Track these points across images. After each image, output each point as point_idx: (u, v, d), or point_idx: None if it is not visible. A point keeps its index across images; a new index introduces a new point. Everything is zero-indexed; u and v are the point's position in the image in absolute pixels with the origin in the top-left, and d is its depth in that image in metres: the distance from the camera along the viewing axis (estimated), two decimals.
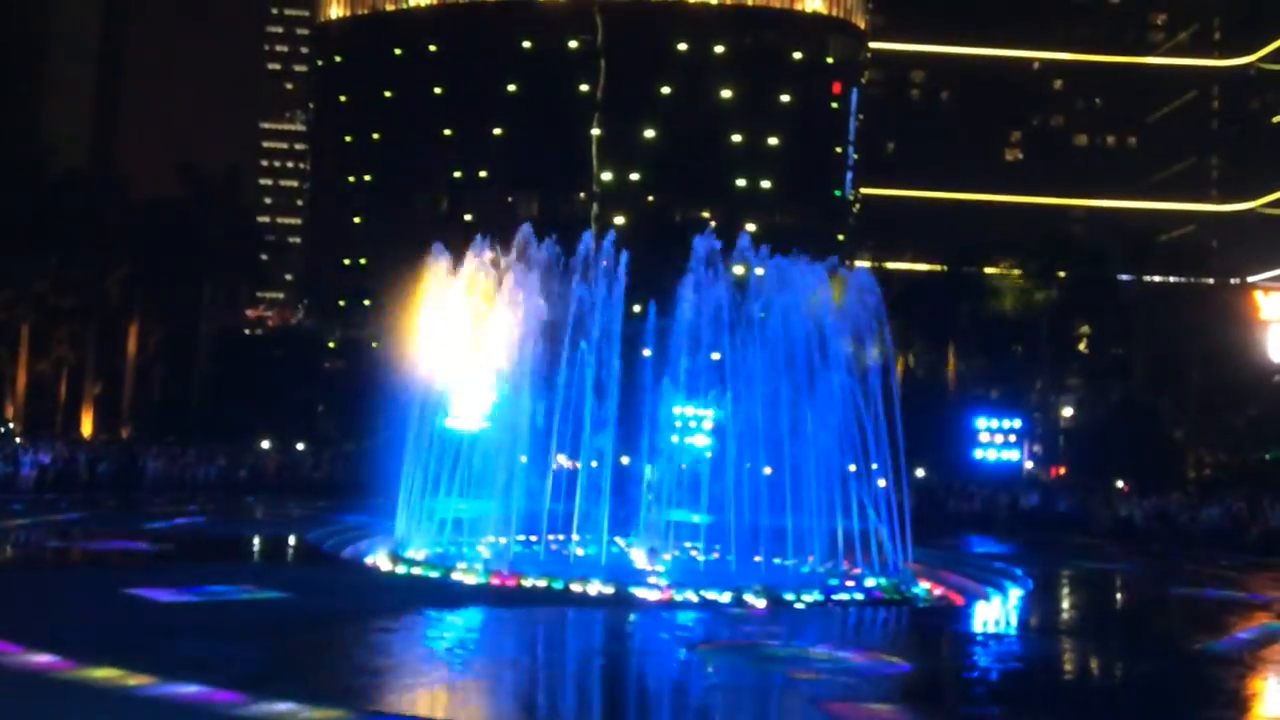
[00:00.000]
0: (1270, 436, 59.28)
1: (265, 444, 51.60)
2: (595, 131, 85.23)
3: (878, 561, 24.15)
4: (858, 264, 62.00)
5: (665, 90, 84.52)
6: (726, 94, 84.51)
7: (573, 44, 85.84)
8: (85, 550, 25.68)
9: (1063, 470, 62.16)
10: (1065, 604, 25.97)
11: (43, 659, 13.13)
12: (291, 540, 28.63)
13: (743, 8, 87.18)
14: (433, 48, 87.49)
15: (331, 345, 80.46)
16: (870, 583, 23.32)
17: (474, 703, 13.43)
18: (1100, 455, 57.39)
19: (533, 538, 25.05)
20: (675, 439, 25.78)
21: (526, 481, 24.45)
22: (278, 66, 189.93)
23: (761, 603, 20.82)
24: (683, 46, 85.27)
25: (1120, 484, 47.15)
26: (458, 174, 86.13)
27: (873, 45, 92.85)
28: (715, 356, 25.20)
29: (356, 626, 17.08)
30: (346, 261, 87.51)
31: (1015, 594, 24.89)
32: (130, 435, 55.32)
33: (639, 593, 21.22)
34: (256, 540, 28.90)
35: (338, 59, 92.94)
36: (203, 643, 14.98)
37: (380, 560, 24.45)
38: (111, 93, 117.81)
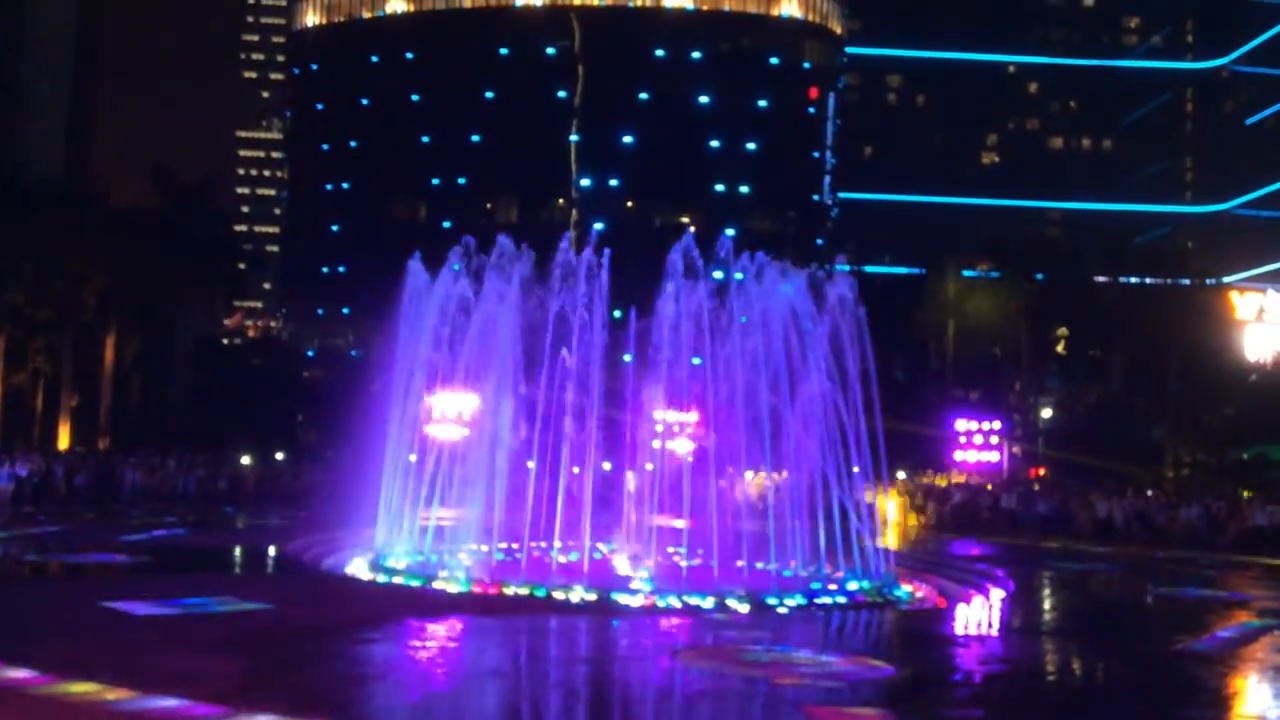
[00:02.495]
0: (1247, 435, 59.73)
1: (244, 455, 51.30)
2: (573, 137, 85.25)
3: (860, 565, 24.18)
4: (836, 268, 62.20)
5: (643, 96, 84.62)
6: (704, 99, 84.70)
7: (550, 50, 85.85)
8: (62, 563, 25.45)
9: (1042, 471, 62.48)
10: (1047, 605, 26.06)
11: (19, 674, 12.98)
12: (271, 551, 28.46)
13: (719, 13, 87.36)
14: (409, 55, 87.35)
15: (310, 354, 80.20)
16: (853, 586, 23.35)
17: (456, 712, 13.36)
18: (1079, 456, 57.72)
19: (514, 545, 24.98)
20: (657, 444, 25.75)
21: (511, 488, 24.35)
22: (254, 75, 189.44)
23: (744, 608, 20.81)
24: (660, 52, 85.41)
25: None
26: (436, 181, 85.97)
27: (849, 50, 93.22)
28: (696, 361, 25.20)
29: (338, 637, 16.97)
30: (325, 270, 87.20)
31: (997, 596, 24.97)
32: (108, 446, 54.93)
33: (622, 599, 21.18)
34: (236, 551, 28.73)
35: (314, 67, 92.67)
36: (182, 656, 14.85)
37: (361, 570, 24.32)
38: (87, 102, 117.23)
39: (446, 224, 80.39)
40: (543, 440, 24.38)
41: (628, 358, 25.97)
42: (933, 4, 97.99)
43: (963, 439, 55.22)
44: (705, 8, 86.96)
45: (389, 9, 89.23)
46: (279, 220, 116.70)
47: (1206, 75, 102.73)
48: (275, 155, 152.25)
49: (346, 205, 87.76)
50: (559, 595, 21.24)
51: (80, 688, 12.50)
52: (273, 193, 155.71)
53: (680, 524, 25.00)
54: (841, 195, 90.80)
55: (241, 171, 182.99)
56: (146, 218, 60.93)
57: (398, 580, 22.88)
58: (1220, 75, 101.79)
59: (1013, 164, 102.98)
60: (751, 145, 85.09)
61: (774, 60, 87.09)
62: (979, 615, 23.37)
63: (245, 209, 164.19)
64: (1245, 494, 45.97)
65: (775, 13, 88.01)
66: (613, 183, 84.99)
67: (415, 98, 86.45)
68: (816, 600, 22.16)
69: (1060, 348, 70.27)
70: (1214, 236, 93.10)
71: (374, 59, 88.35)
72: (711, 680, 15.16)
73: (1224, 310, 63.08)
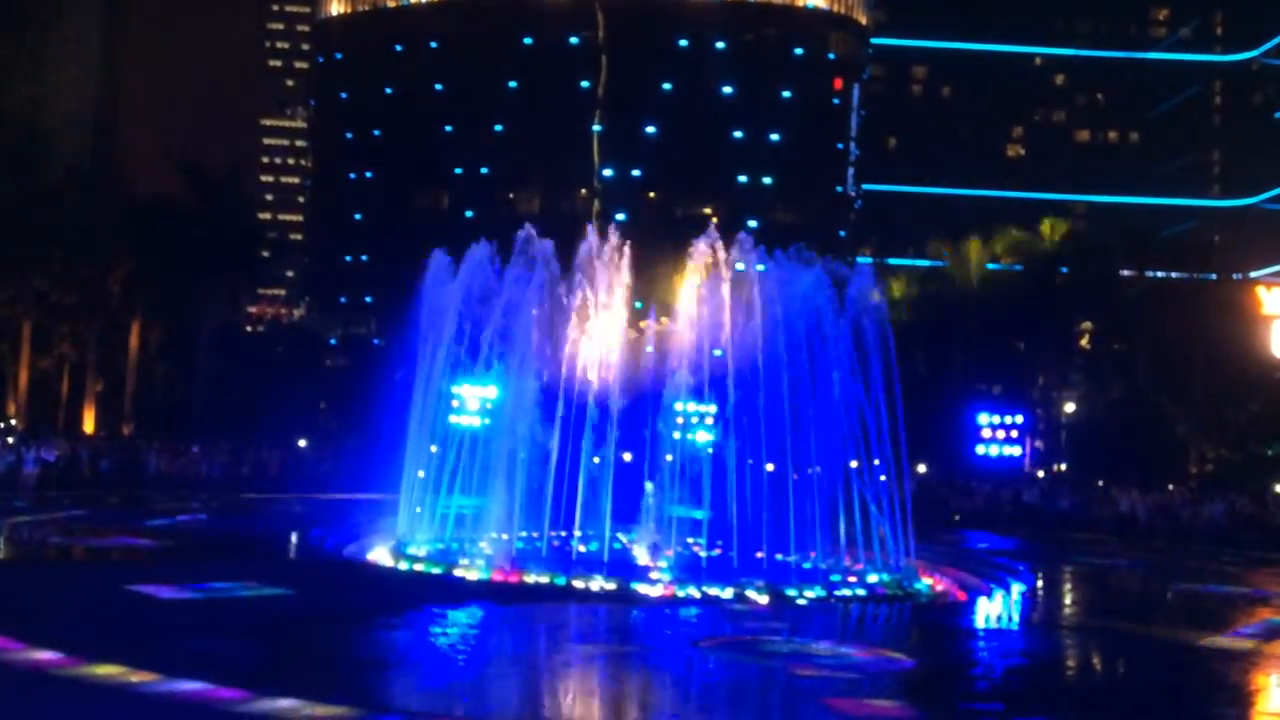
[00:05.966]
0: (1273, 432, 59.27)
1: (267, 442, 51.59)
2: (597, 128, 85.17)
3: (880, 557, 24.15)
4: (859, 260, 62.00)
5: (666, 86, 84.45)
6: (728, 90, 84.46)
7: (574, 40, 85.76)
8: (88, 547, 25.71)
9: (1064, 466, 62.21)
10: (1067, 599, 25.98)
11: (46, 656, 13.14)
12: (294, 537, 28.66)
13: (743, 3, 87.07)
14: (434, 44, 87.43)
15: (333, 342, 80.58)
16: (872, 578, 23.32)
17: (477, 699, 13.43)
18: (1103, 451, 57.42)
19: (534, 534, 25.06)
20: (677, 435, 25.75)
21: (530, 477, 24.40)
22: (279, 63, 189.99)
23: (764, 599, 20.83)
24: (684, 42, 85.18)
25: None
26: (458, 170, 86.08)
27: (874, 41, 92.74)
28: (717, 353, 25.19)
29: (359, 623, 17.09)
30: (348, 258, 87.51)
31: (1017, 590, 24.91)
32: (132, 432, 55.37)
33: (641, 589, 21.23)
34: (259, 537, 28.91)
35: (339, 55, 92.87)
36: (205, 639, 14.99)
37: (382, 557, 24.46)
38: (113, 91, 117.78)
39: (469, 213, 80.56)
40: (563, 430, 24.42)
41: (649, 349, 26.00)
42: None
43: (985, 433, 54.97)
44: None
45: None
46: (302, 208, 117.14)
47: (1235, 68, 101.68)
48: (299, 144, 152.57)
49: (369, 194, 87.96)
50: (579, 584, 21.30)
51: (105, 669, 12.64)
52: (296, 181, 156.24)
53: (700, 514, 25.02)
54: (865, 187, 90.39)
55: (265, 160, 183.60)
56: (172, 206, 61.30)
57: (419, 567, 23.00)
58: (1249, 68, 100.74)
59: (1038, 156, 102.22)
60: (775, 136, 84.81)
61: (798, 51, 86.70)
62: (999, 609, 23.32)
63: (269, 197, 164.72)
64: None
65: (800, 3, 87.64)
66: (635, 173, 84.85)
67: (439, 87, 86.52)
68: (836, 592, 22.14)
69: (1084, 342, 69.85)
70: (1241, 231, 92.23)
71: (398, 48, 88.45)
72: (731, 670, 15.19)
73: (1250, 305, 62.44)
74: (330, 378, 69.91)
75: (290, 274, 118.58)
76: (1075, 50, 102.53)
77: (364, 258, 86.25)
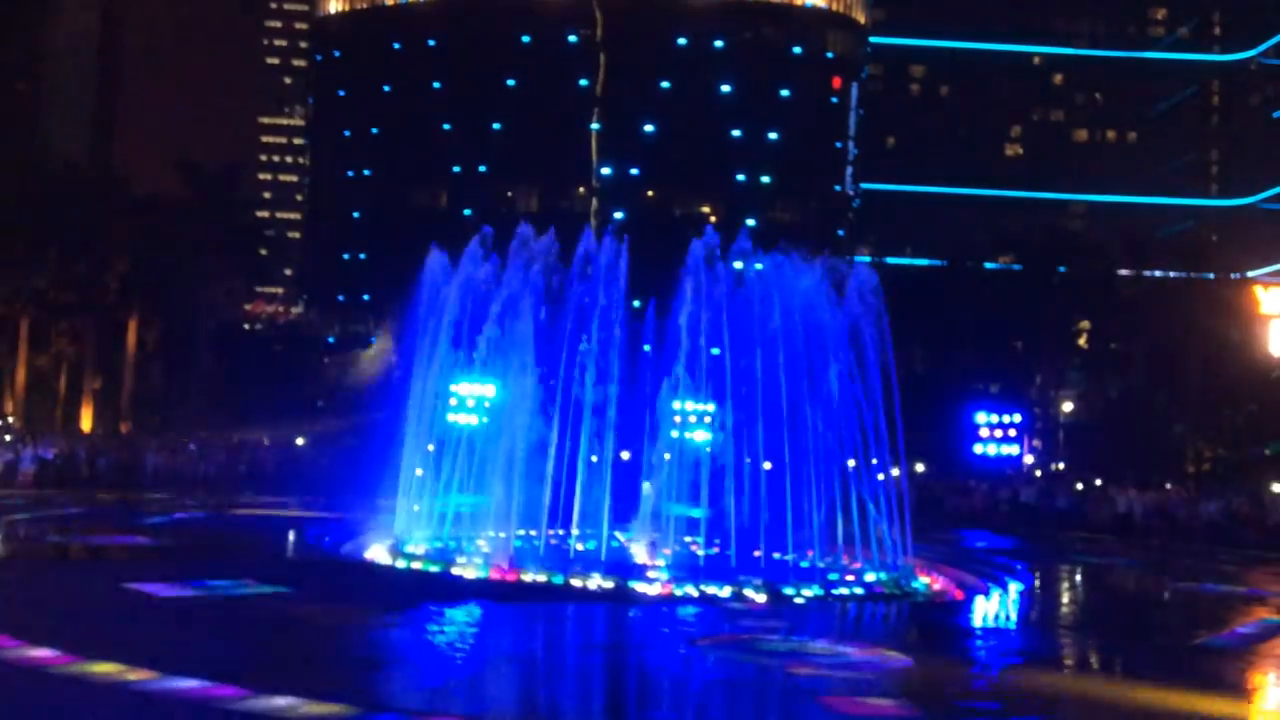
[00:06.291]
0: (1269, 431, 59.33)
1: (264, 439, 51.57)
2: (595, 126, 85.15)
3: (877, 556, 24.16)
4: (858, 259, 62.02)
5: (665, 85, 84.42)
6: (726, 89, 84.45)
7: (572, 38, 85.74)
8: (85, 545, 25.71)
9: (1061, 465, 62.22)
10: (1064, 599, 26.01)
11: (43, 653, 13.14)
12: (291, 535, 28.65)
13: (742, 2, 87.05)
14: (432, 42, 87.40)
15: (331, 340, 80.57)
16: (870, 577, 23.33)
17: (474, 697, 13.44)
18: (1100, 450, 57.47)
19: (532, 532, 25.06)
20: (675, 434, 25.75)
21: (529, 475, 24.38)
22: (277, 61, 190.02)
23: (761, 597, 20.83)
24: (682, 41, 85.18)
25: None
26: (457, 169, 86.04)
27: (873, 40, 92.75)
28: (715, 352, 25.18)
29: (356, 621, 17.09)
30: (346, 256, 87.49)
31: (1015, 589, 24.93)
32: (130, 430, 55.34)
33: (639, 587, 21.23)
34: (256, 535, 28.90)
35: (337, 53, 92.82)
36: (202, 637, 14.99)
37: (380, 555, 24.45)
38: (110, 88, 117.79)
39: (467, 211, 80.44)
40: (561, 428, 24.42)
41: (647, 347, 26.00)
42: None
43: (982, 432, 55.01)
44: None
45: None
46: (300, 206, 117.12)
47: (1234, 68, 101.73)
48: (297, 141, 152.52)
49: (368, 192, 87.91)
50: (577, 582, 21.31)
51: (102, 668, 12.64)
52: (294, 179, 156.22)
53: (698, 513, 25.02)
54: (863, 186, 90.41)
55: (263, 157, 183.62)
56: (169, 203, 61.29)
57: (416, 565, 23.00)
58: (1248, 68, 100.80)
59: (1037, 156, 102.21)
60: (773, 135, 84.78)
61: (797, 50, 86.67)
62: (996, 608, 23.34)
63: (267, 195, 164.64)
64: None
65: (799, 2, 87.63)
66: (633, 172, 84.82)
67: (437, 85, 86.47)
68: (834, 591, 22.15)
69: (1082, 341, 69.91)
70: (1239, 230, 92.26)
71: (396, 46, 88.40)
72: (728, 669, 15.20)
73: (1248, 305, 62.48)
74: (328, 375, 69.87)
75: (288, 272, 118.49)
76: (1074, 50, 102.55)
77: (362, 256, 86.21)
